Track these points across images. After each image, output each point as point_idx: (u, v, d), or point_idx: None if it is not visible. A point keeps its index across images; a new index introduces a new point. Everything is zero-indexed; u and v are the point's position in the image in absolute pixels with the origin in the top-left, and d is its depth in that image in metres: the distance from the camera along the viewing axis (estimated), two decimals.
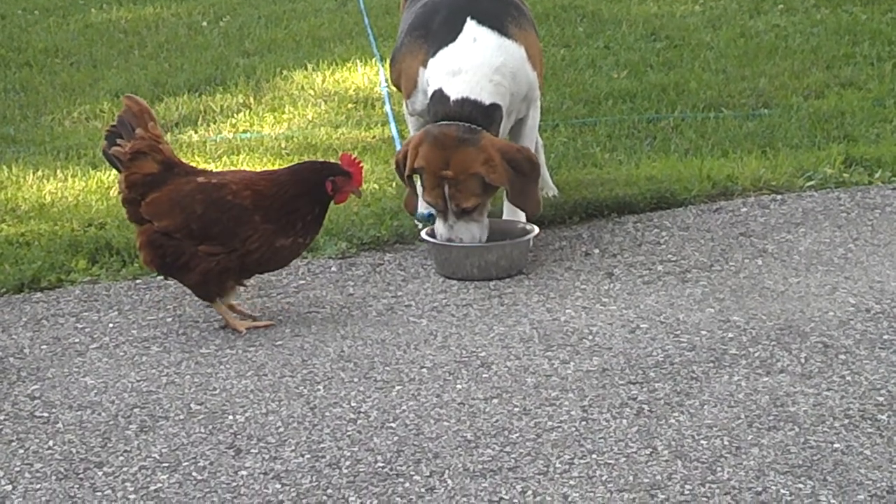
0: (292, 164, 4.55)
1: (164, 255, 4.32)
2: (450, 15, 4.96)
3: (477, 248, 4.75)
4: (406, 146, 4.85)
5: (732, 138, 6.07)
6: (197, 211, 4.29)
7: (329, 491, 3.42)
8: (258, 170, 5.17)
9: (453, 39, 4.89)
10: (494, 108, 4.80)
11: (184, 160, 5.97)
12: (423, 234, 4.88)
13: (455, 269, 4.75)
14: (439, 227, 4.79)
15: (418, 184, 4.92)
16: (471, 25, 4.90)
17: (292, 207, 4.32)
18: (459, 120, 4.74)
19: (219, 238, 4.29)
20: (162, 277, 4.64)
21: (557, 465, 3.49)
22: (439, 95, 4.81)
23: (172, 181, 4.35)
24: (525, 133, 5.07)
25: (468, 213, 4.75)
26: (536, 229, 4.87)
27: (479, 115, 4.76)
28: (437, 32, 4.95)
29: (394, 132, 6.11)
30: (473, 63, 4.82)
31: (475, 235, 4.78)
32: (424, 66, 4.94)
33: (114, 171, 4.96)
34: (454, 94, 4.78)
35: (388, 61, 5.30)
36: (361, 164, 4.38)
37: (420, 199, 4.98)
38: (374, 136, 6.34)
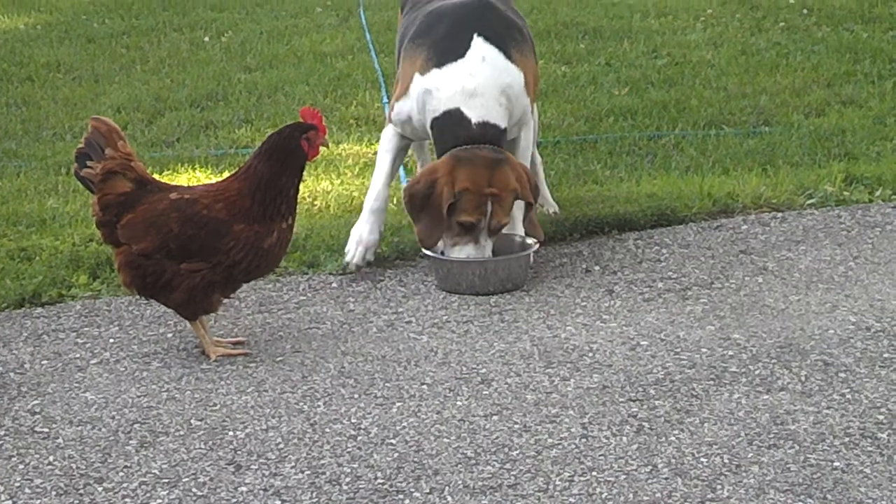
0: (255, 150, 4.36)
1: (144, 276, 4.22)
2: (455, 27, 4.95)
3: (477, 261, 4.75)
4: (429, 177, 4.74)
5: (733, 156, 6.08)
6: (174, 229, 4.19)
7: None
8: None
9: (462, 55, 4.87)
10: (505, 131, 4.85)
11: (184, 175, 5.98)
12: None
13: (457, 283, 4.75)
14: (470, 250, 4.76)
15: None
16: (478, 42, 4.89)
17: (276, 189, 4.21)
18: (481, 141, 4.75)
19: (200, 254, 4.20)
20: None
21: (557, 483, 3.49)
22: (458, 117, 4.78)
23: (146, 200, 4.25)
24: (519, 154, 5.06)
25: (498, 230, 4.77)
26: (537, 244, 4.89)
27: (495, 138, 4.79)
28: (440, 42, 4.92)
29: None
30: (486, 84, 4.82)
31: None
32: (422, 73, 4.91)
33: None
34: (475, 117, 4.77)
35: (392, 78, 5.27)
36: (320, 113, 4.30)
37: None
38: (375, 153, 6.33)
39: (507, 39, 4.94)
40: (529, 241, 4.91)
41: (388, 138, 5.12)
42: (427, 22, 5.03)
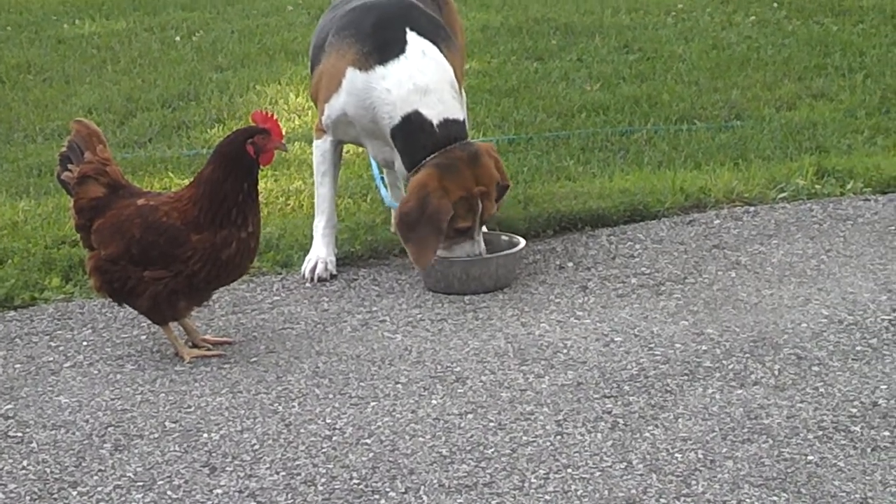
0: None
1: (111, 281, 4.23)
2: (383, 20, 4.82)
3: (486, 259, 4.74)
4: (419, 193, 4.61)
5: (705, 150, 6.09)
6: (136, 235, 4.19)
7: None
8: None
9: (402, 50, 4.76)
10: (464, 123, 4.81)
11: (154, 176, 5.95)
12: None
13: (449, 283, 4.73)
14: (468, 247, 4.73)
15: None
16: (413, 37, 4.80)
17: (221, 196, 4.16)
18: (447, 142, 4.69)
19: (159, 262, 4.18)
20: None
21: (533, 480, 3.49)
22: (419, 121, 4.68)
23: (116, 205, 4.25)
24: None
25: (487, 220, 4.79)
26: (523, 241, 4.89)
27: (459, 133, 4.73)
28: (372, 35, 4.79)
29: None
30: (434, 79, 4.74)
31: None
32: (362, 69, 4.76)
33: None
34: (435, 116, 4.69)
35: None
36: (275, 117, 4.24)
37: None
38: (347, 151, 6.33)
39: (435, 35, 4.87)
40: (514, 238, 4.92)
41: (322, 156, 5.01)
42: (350, 17, 4.89)
